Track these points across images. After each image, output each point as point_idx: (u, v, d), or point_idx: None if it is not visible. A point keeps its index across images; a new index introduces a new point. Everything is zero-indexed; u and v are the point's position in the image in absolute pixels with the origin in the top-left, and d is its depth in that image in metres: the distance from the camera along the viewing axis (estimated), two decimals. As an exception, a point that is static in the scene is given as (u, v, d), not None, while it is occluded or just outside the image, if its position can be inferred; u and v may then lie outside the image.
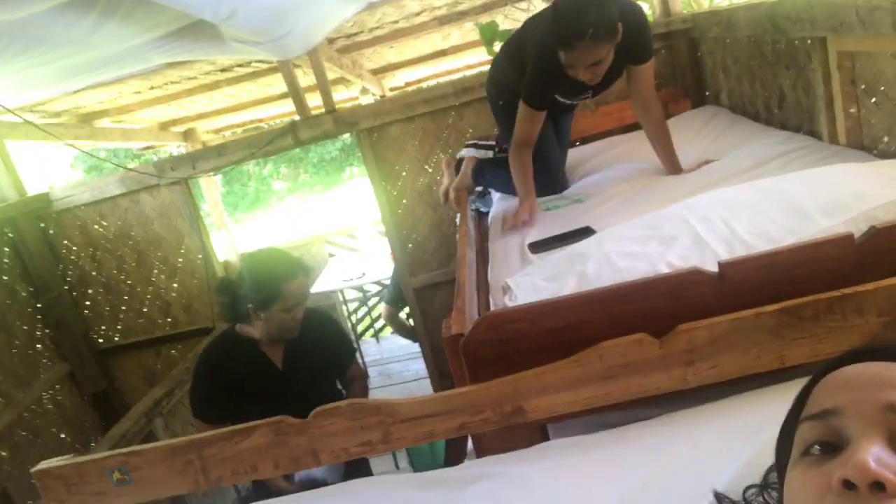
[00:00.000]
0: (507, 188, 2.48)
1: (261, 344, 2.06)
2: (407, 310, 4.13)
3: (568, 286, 1.11)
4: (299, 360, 2.10)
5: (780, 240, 1.05)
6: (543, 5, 3.66)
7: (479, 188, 2.97)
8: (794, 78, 2.23)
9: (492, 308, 1.35)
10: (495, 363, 1.06)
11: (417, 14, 3.70)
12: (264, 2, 2.40)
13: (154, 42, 2.63)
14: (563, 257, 1.25)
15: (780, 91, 2.36)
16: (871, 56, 1.74)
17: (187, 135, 5.70)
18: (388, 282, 5.81)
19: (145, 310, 3.64)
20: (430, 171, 3.36)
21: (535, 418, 0.99)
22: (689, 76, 3.08)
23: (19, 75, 2.66)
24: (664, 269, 1.07)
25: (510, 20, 3.96)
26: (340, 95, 5.09)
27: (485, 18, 3.96)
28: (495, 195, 2.78)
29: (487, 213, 2.79)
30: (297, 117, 3.31)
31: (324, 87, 3.23)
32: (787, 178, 1.25)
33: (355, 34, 3.70)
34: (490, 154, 2.92)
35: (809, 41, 2.02)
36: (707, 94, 3.05)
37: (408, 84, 5.47)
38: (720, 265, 1.01)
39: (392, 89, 5.51)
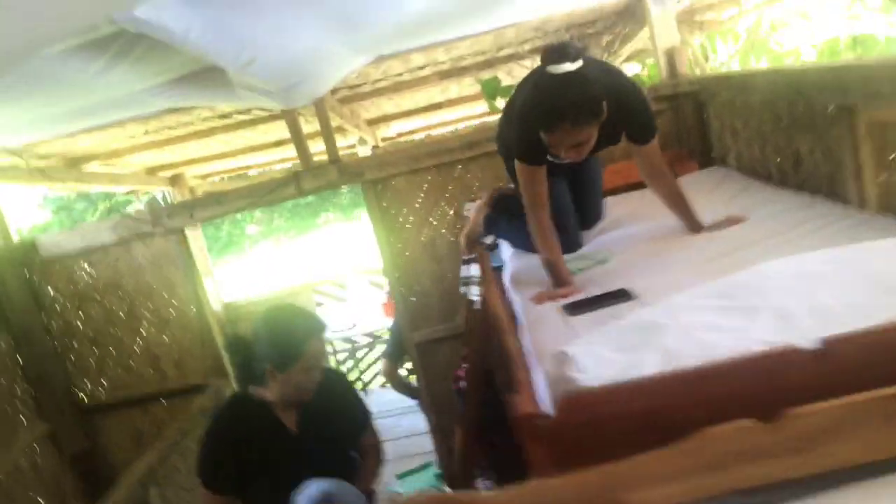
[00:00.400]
0: (521, 243, 2.43)
1: (275, 407, 1.95)
2: (407, 365, 4.02)
3: (648, 361, 1.05)
4: (314, 424, 1.99)
5: (874, 316, 1.01)
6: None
7: (488, 240, 2.92)
8: (812, 143, 2.25)
9: (545, 380, 1.27)
10: (580, 448, 0.98)
11: (421, 68, 3.72)
12: (282, 51, 2.37)
13: (160, 87, 2.56)
14: (631, 327, 1.19)
15: (795, 155, 2.38)
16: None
17: (174, 180, 5.60)
18: (379, 333, 5.71)
19: (133, 364, 3.46)
20: (435, 223, 3.32)
21: (632, 512, 0.91)
22: (695, 137, 3.12)
23: (19, 117, 2.57)
24: (754, 346, 1.02)
25: (512, 77, 4.00)
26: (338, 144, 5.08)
27: (486, 74, 4.00)
28: (505, 249, 2.72)
29: (497, 268, 2.74)
30: (292, 165, 3.26)
31: (328, 136, 3.19)
32: (856, 249, 1.22)
33: (358, 85, 3.69)
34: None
35: (831, 108, 2.04)
36: (713, 156, 3.08)
37: (400, 135, 5.47)
38: (824, 342, 0.96)
39: (384, 139, 5.51)
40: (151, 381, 3.48)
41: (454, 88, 4.62)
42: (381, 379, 5.88)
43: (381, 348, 5.88)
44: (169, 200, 5.86)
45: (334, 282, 6.25)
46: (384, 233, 3.30)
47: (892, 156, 1.83)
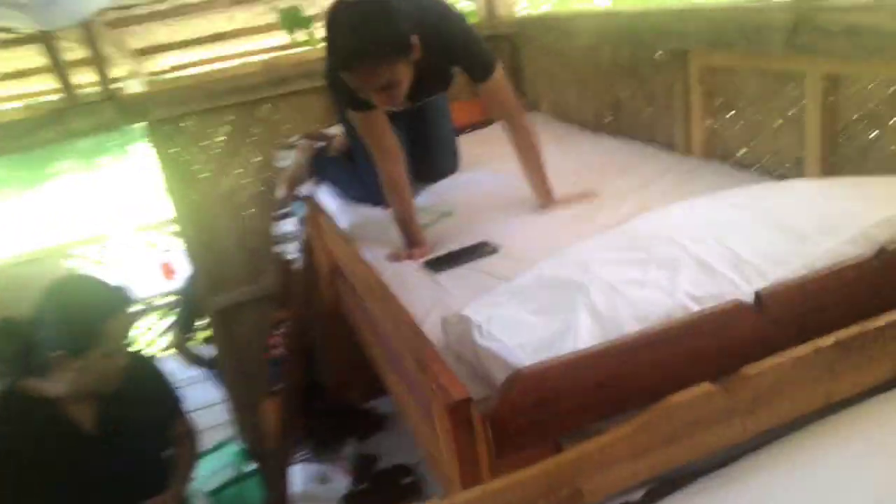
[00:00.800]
0: (357, 192, 2.20)
1: (61, 404, 1.55)
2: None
3: (580, 323, 0.92)
4: (116, 420, 1.63)
5: (789, 262, 0.99)
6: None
7: (304, 190, 2.63)
8: (633, 88, 2.31)
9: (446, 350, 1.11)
10: (527, 434, 0.84)
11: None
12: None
13: None
14: (541, 284, 1.06)
15: (615, 101, 2.44)
16: (731, 71, 1.84)
17: None
18: (153, 299, 5.06)
19: None
20: (237, 172, 2.90)
21: (594, 501, 0.79)
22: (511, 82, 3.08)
23: None
24: (687, 301, 0.94)
25: (316, 6, 3.63)
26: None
27: (286, 2, 3.57)
28: (327, 200, 2.45)
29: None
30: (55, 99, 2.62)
31: (101, 66, 2.60)
32: (756, 195, 1.22)
33: (129, 6, 3.06)
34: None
35: (659, 53, 2.10)
36: (527, 102, 3.07)
37: (174, 68, 4.76)
38: (758, 295, 0.91)
39: (154, 73, 4.75)
40: None
41: (241, 17, 4.10)
42: (155, 349, 5.28)
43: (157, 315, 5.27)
44: None
45: (93, 241, 5.40)
46: (177, 184, 2.81)
47: (720, 101, 1.92)
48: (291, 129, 2.88)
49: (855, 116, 1.50)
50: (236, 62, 4.71)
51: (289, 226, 2.74)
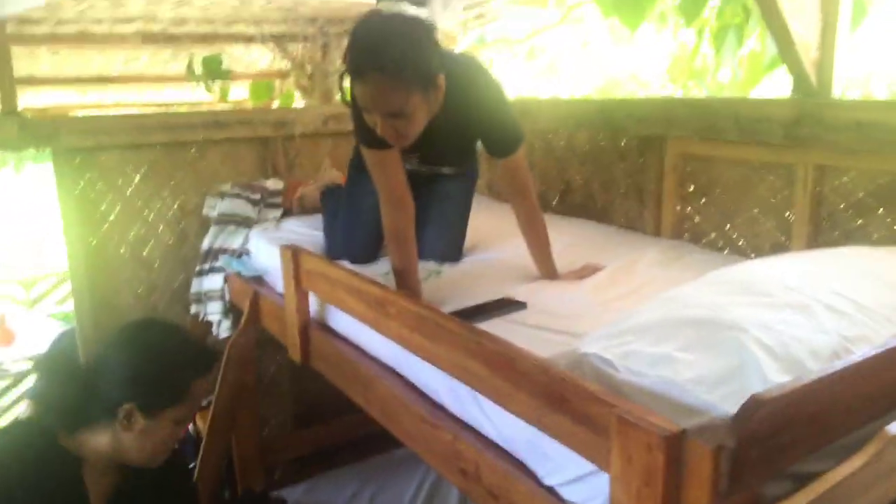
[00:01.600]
0: (336, 238, 2.03)
1: (87, 468, 1.23)
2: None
3: (758, 359, 0.88)
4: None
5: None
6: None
7: (235, 244, 2.39)
8: (590, 173, 2.43)
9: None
10: (756, 469, 0.75)
11: (130, 21, 2.91)
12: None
13: None
14: (681, 324, 1.00)
15: (566, 184, 2.54)
16: (708, 160, 2.00)
17: None
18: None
19: None
20: (151, 218, 2.55)
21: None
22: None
23: None
24: (843, 341, 0.95)
25: (233, 59, 3.46)
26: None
27: (201, 50, 3.36)
28: (265, 253, 2.23)
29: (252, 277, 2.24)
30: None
31: (6, 75, 2.21)
32: (838, 254, 1.28)
33: (37, 21, 2.69)
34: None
35: (624, 141, 2.24)
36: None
37: (46, 109, 4.22)
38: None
39: (26, 110, 4.16)
40: None
41: (143, 60, 3.77)
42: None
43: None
44: None
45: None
46: (77, 226, 2.40)
47: (692, 187, 2.06)
48: (220, 177, 2.63)
49: (842, 205, 1.68)
50: (125, 111, 4.29)
51: (212, 283, 2.43)
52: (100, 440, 1.23)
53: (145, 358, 1.22)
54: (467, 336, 1.10)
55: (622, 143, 2.26)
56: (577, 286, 1.65)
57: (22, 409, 4.42)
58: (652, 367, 0.94)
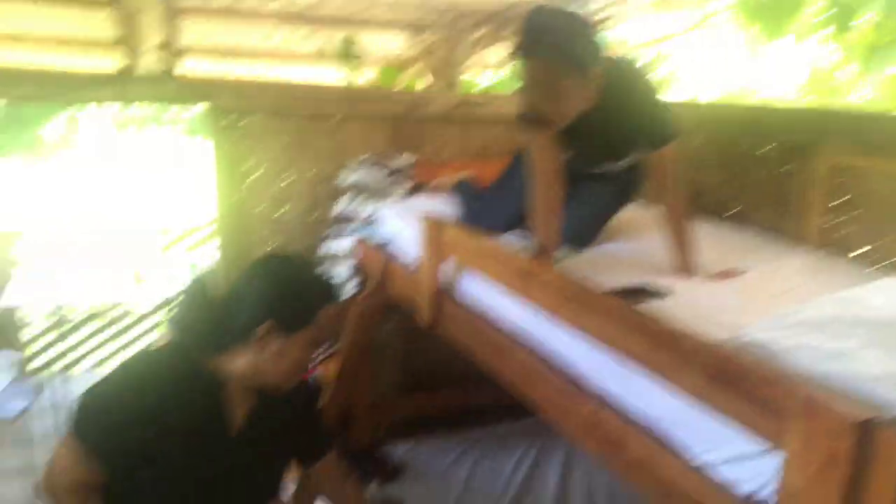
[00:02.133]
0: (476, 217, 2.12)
1: (229, 389, 1.33)
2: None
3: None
4: (263, 429, 1.40)
5: None
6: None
7: (365, 213, 2.50)
8: (723, 178, 2.38)
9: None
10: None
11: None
12: None
13: None
14: (858, 323, 1.00)
15: (698, 188, 2.49)
16: (861, 170, 1.92)
17: None
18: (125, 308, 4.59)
19: None
20: (287, 183, 2.71)
21: None
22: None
23: None
24: None
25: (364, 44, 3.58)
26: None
27: (335, 33, 3.50)
28: (393, 221, 2.32)
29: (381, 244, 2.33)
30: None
31: (171, 38, 2.41)
32: None
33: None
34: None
35: (767, 148, 2.18)
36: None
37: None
38: None
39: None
40: None
41: (276, 38, 3.96)
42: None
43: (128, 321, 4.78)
44: None
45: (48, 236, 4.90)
46: (224, 180, 2.59)
47: (844, 198, 1.98)
48: (355, 151, 2.76)
49: None
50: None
51: (341, 247, 2.56)
52: (238, 363, 1.31)
53: (280, 281, 1.31)
54: (628, 314, 1.13)
55: (764, 150, 2.21)
56: (719, 284, 1.63)
57: (146, 344, 4.81)
58: (829, 361, 0.94)
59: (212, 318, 1.31)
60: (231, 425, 1.35)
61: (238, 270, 2.55)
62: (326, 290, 1.33)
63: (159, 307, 4.11)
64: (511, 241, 1.93)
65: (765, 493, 0.94)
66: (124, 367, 1.38)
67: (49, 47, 3.49)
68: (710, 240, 2.05)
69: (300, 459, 1.58)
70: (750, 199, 2.26)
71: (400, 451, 2.72)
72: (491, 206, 2.11)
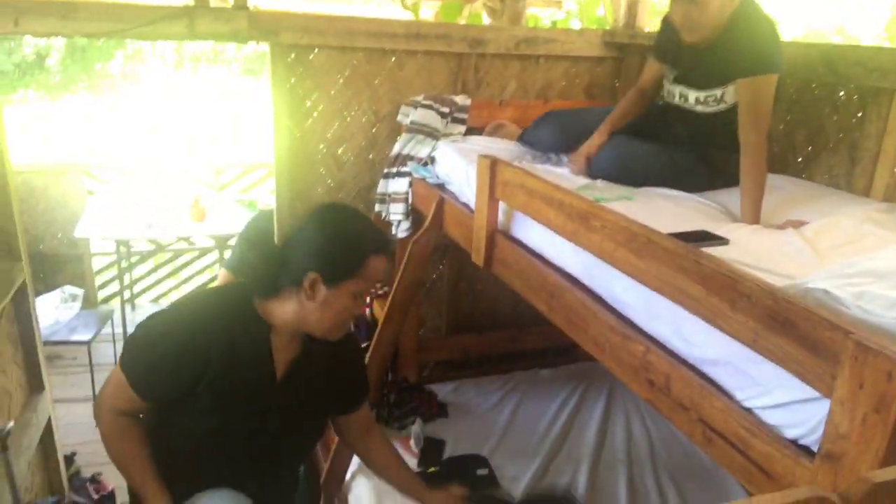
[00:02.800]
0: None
1: (273, 336, 1.40)
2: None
3: None
4: (305, 377, 1.48)
5: None
6: None
7: (422, 153, 2.52)
8: (793, 124, 2.29)
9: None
10: None
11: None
12: None
13: None
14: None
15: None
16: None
17: None
18: (188, 241, 4.81)
19: None
20: (349, 119, 2.75)
21: None
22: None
23: None
24: None
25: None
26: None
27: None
28: (449, 161, 2.33)
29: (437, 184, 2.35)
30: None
31: (242, -25, 2.42)
32: None
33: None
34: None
35: (842, 93, 2.08)
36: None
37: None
38: None
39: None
40: None
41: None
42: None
43: (186, 257, 5.01)
44: None
45: (113, 165, 5.10)
46: (284, 117, 2.64)
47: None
48: (414, 89, 2.76)
49: None
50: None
51: (398, 185, 2.60)
52: (287, 308, 1.36)
53: (329, 232, 1.35)
54: (684, 254, 1.13)
55: (840, 95, 2.11)
56: (780, 233, 1.60)
57: (205, 279, 5.02)
58: (890, 309, 0.93)
59: (265, 262, 1.36)
60: (276, 370, 1.42)
61: (296, 210, 2.68)
62: (374, 243, 1.36)
63: (218, 243, 4.26)
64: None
65: (812, 439, 0.95)
66: (177, 304, 1.46)
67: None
68: (775, 188, 2.00)
69: (335, 409, 1.65)
70: (820, 145, 2.18)
71: (445, 389, 2.81)
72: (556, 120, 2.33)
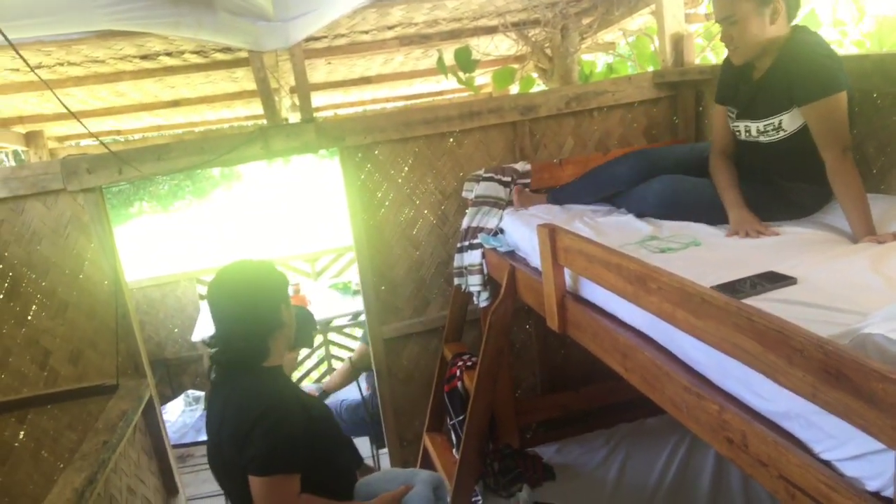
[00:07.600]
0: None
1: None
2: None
3: None
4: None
5: None
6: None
7: (491, 223, 2.61)
8: (862, 135, 2.21)
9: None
10: None
11: (391, 28, 3.28)
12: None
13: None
14: None
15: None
16: None
17: (30, 138, 4.58)
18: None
19: (11, 360, 2.65)
20: (418, 202, 2.91)
21: None
22: (691, 128, 3.03)
23: None
24: None
25: (477, 52, 3.70)
26: (255, 110, 4.37)
27: (448, 45, 3.65)
28: (518, 230, 2.40)
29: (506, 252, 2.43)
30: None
31: (303, 89, 2.67)
32: None
33: (318, 38, 3.17)
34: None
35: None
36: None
37: (318, 110, 4.91)
38: None
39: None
40: (35, 381, 2.69)
41: (397, 60, 4.21)
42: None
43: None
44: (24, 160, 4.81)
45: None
46: (359, 210, 2.83)
47: None
48: (474, 162, 2.89)
49: None
50: (382, 106, 4.84)
51: (472, 258, 2.70)
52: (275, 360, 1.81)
53: (269, 295, 1.82)
54: (736, 312, 1.14)
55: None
56: (850, 264, 1.56)
57: (313, 363, 5.25)
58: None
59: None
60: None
61: (380, 293, 2.84)
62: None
63: (321, 327, 4.49)
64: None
65: (892, 491, 0.93)
66: (248, 396, 1.68)
67: (200, 109, 3.98)
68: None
69: None
70: (894, 156, 2.09)
71: (549, 451, 2.80)
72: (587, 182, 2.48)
